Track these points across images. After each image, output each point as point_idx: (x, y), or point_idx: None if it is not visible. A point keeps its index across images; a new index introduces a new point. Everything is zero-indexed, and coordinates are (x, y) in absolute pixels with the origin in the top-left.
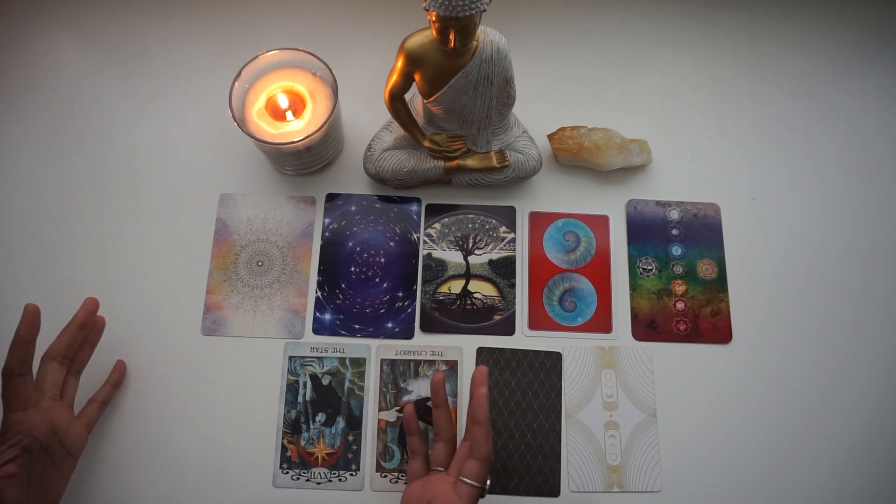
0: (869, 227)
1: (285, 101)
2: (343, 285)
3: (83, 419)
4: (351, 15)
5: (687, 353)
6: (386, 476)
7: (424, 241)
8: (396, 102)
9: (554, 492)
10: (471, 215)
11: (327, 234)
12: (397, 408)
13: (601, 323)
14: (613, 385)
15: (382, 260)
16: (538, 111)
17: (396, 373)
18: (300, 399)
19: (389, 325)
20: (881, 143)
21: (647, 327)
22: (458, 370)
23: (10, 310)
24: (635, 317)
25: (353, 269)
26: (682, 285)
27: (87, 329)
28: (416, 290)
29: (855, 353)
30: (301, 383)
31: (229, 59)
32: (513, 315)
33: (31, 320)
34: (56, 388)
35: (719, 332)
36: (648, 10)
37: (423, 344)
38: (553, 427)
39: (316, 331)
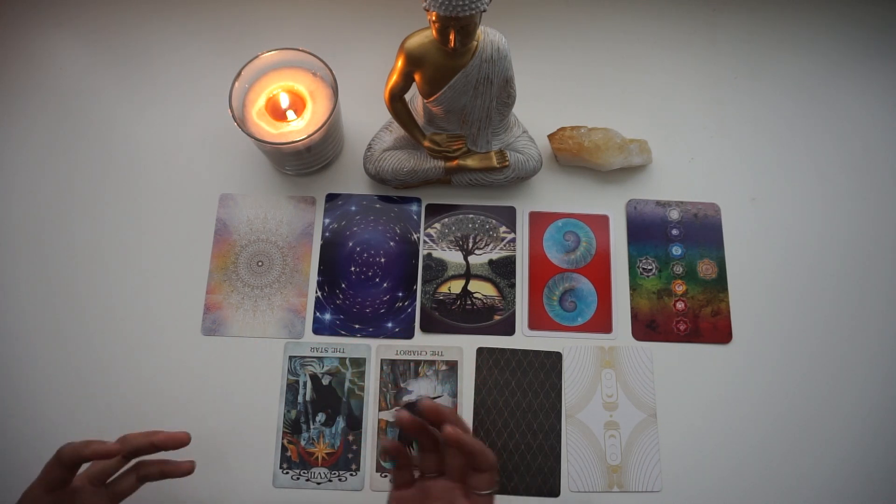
0: (869, 227)
1: (286, 99)
2: (343, 285)
3: None
4: (351, 15)
5: (687, 353)
6: (386, 476)
7: (424, 241)
8: (396, 102)
9: (554, 492)
10: (471, 215)
11: (327, 234)
12: (397, 408)
13: (601, 323)
14: (613, 385)
15: (382, 260)
16: (538, 111)
17: (396, 373)
18: (300, 399)
19: (389, 325)
20: (881, 143)
21: (647, 327)
22: (458, 370)
23: (10, 310)
24: (635, 317)
25: (353, 269)
26: (682, 285)
27: (159, 449)
28: (416, 290)
29: (855, 353)
30: (301, 383)
31: (229, 59)
32: (513, 315)
33: (114, 450)
34: (104, 473)
35: (719, 332)
36: (648, 10)
37: (423, 344)
38: (553, 427)
39: (316, 331)
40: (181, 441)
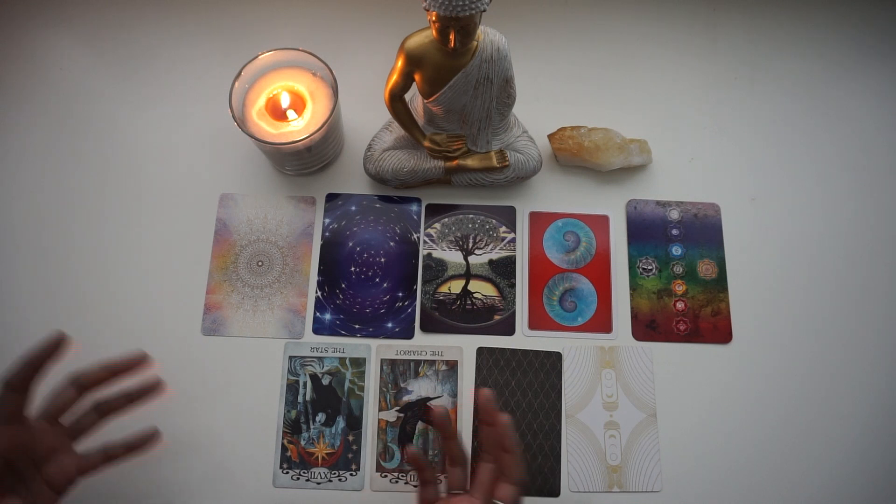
0: (869, 226)
1: (287, 99)
2: (343, 285)
3: (79, 458)
4: (351, 15)
5: (687, 353)
6: (386, 476)
7: (424, 241)
8: (396, 102)
9: (554, 492)
10: (471, 215)
11: (327, 234)
12: (397, 408)
13: (601, 323)
14: (613, 385)
15: (382, 260)
16: (538, 111)
17: (396, 373)
18: (300, 399)
19: (389, 325)
20: (881, 143)
21: (648, 327)
22: (458, 370)
23: (10, 309)
24: (635, 317)
25: (353, 269)
26: (683, 285)
27: (121, 375)
28: (416, 290)
29: (855, 353)
30: (301, 383)
31: (229, 59)
32: (513, 315)
33: (49, 347)
34: (57, 408)
35: (719, 332)
36: (648, 10)
37: (423, 344)
38: (553, 427)
39: (316, 331)
40: (136, 361)
